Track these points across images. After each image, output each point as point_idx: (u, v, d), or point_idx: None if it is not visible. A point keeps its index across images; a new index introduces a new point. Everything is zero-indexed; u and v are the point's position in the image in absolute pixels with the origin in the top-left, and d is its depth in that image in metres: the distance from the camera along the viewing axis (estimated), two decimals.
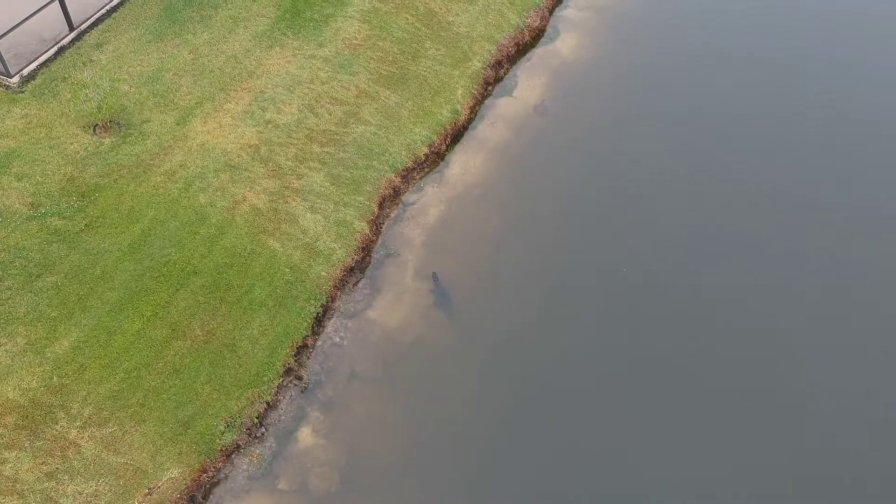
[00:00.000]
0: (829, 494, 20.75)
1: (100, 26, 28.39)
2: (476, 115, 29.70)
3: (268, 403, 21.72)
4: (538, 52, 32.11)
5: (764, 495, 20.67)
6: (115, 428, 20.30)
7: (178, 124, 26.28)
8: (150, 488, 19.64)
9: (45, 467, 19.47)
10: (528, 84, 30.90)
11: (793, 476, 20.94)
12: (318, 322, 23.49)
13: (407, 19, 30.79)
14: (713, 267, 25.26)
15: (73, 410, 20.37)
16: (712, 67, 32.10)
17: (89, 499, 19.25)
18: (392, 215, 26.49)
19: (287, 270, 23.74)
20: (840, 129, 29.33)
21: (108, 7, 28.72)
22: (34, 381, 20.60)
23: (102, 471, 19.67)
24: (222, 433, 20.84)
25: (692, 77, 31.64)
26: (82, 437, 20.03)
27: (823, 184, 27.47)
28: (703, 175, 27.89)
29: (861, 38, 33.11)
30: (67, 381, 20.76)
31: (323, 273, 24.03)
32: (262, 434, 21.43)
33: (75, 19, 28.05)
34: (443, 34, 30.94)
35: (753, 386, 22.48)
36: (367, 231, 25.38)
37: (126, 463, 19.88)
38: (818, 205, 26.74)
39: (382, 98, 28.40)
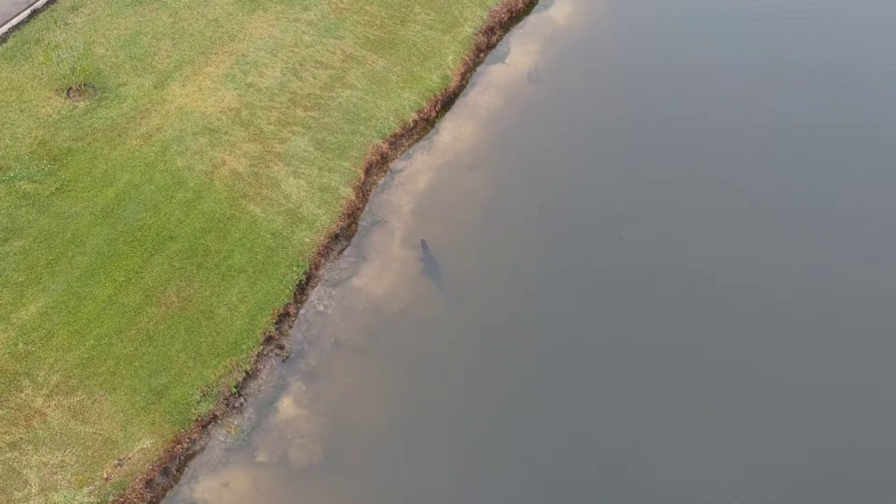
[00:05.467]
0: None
1: None
2: (467, 81, 28.64)
3: (247, 373, 20.61)
4: (531, 20, 31.06)
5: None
6: (84, 396, 19.19)
7: (155, 88, 25.20)
8: (120, 459, 18.53)
9: (7, 437, 18.33)
10: (521, 51, 29.85)
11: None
12: (301, 290, 22.41)
13: None
14: (706, 236, 24.22)
15: (39, 378, 19.26)
16: (709, 35, 31.16)
17: (55, 470, 18.14)
18: (379, 182, 25.42)
19: (268, 236, 22.65)
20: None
21: None
22: None
23: (69, 441, 18.55)
24: (198, 403, 19.74)
25: (688, 45, 30.67)
26: (48, 406, 18.92)
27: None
28: (697, 141, 26.91)
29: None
30: (34, 348, 19.65)
31: (306, 239, 22.95)
32: (241, 404, 20.33)
33: None
34: None
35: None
36: (353, 197, 24.30)
37: (95, 433, 18.76)
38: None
39: (369, 62, 27.33)
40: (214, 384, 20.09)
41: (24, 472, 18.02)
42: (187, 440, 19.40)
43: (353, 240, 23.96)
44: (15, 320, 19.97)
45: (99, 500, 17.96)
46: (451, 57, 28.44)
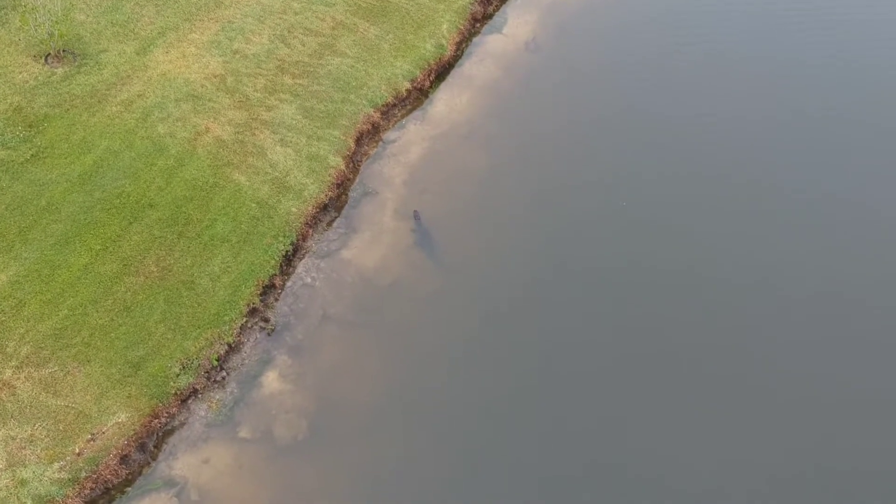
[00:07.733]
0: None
1: None
2: (463, 52, 27.67)
3: (229, 345, 19.60)
4: None
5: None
6: (56, 368, 18.19)
7: (137, 54, 24.22)
8: (93, 434, 17.52)
9: None
10: (519, 21, 28.88)
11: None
12: (288, 261, 21.42)
13: None
14: (704, 209, 23.36)
15: (8, 349, 18.26)
16: (712, 8, 30.21)
17: (23, 444, 17.13)
18: (371, 153, 24.43)
19: (253, 205, 21.66)
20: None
21: None
22: None
23: (40, 414, 17.55)
24: (177, 376, 18.73)
25: (690, 16, 29.78)
26: (18, 378, 17.91)
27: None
28: (695, 113, 26.03)
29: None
30: (3, 318, 18.66)
31: (293, 209, 21.96)
32: (223, 378, 19.33)
33: None
34: None
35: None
36: (343, 167, 23.30)
37: (67, 406, 17.76)
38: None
39: (361, 30, 26.33)
40: (195, 357, 19.09)
41: None
42: (165, 415, 18.40)
43: (343, 211, 22.98)
44: None
45: (70, 476, 16.96)
46: (445, 26, 27.46)
